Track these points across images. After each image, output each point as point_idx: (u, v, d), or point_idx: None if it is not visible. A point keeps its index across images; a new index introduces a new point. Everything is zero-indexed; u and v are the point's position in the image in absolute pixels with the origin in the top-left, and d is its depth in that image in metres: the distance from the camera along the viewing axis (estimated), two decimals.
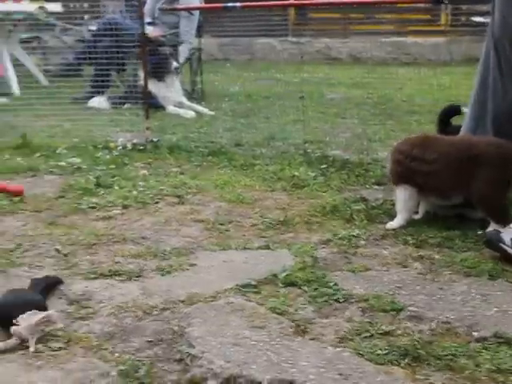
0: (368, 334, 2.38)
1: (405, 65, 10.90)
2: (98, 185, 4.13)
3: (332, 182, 4.24)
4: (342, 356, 2.24)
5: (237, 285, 2.75)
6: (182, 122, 6.18)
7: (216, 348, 2.26)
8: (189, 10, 7.19)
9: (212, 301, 2.62)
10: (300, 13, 10.22)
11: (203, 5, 7.81)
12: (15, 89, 7.49)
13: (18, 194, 3.98)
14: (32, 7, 7.86)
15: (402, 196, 3.51)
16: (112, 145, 5.08)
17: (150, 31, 6.35)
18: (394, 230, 3.42)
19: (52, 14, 8.24)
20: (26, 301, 2.45)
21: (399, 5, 9.61)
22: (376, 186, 4.18)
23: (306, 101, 7.13)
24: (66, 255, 3.10)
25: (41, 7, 7.80)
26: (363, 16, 11.02)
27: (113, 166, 4.56)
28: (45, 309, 2.45)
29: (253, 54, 11.15)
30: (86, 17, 9.63)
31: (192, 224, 3.52)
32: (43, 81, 7.88)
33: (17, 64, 7.94)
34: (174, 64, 6.74)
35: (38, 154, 4.90)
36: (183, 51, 7.27)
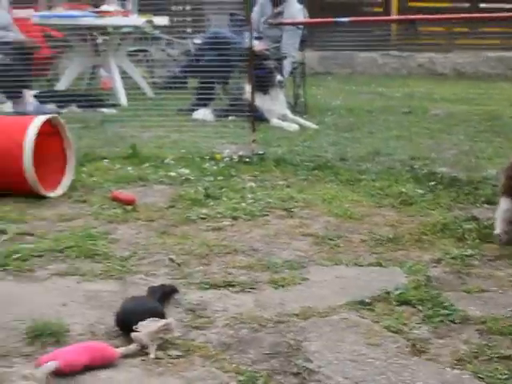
0: (486, 357, 2.34)
1: (509, 80, 10.62)
2: (207, 196, 4.19)
3: (441, 200, 4.17)
4: (462, 379, 2.21)
5: (350, 301, 2.75)
6: (285, 135, 6.21)
7: (333, 364, 2.27)
8: (297, 24, 7.23)
9: (326, 316, 2.62)
10: (408, 27, 10.12)
11: (312, 19, 7.84)
12: (123, 100, 7.70)
13: (131, 202, 4.08)
14: (140, 21, 8.07)
15: (504, 206, 3.48)
16: (218, 156, 5.14)
17: (256, 45, 6.41)
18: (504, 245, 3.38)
19: (159, 27, 8.44)
20: (146, 308, 2.51)
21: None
22: (487, 205, 4.09)
23: (410, 116, 7.08)
24: (179, 265, 3.17)
25: (149, 21, 7.99)
26: (467, 30, 10.82)
27: (220, 178, 4.63)
28: (163, 317, 2.50)
29: (354, 68, 11.11)
30: (188, 30, 9.85)
31: (301, 238, 3.53)
32: (149, 93, 8.07)
33: (124, 76, 8.16)
34: (278, 77, 6.79)
35: (147, 164, 5.01)
36: (286, 65, 7.31)
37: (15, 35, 7.98)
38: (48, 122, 4.39)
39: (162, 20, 8.20)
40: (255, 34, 6.54)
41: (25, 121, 4.35)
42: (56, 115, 4.62)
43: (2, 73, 6.53)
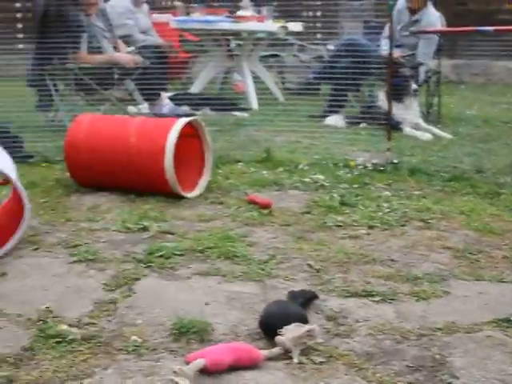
0: None
1: None
2: (342, 203, 4.18)
3: None
4: None
5: (495, 318, 2.68)
6: (419, 144, 6.10)
7: (480, 381, 2.22)
8: (439, 32, 7.11)
9: (471, 332, 2.56)
10: None
11: (454, 28, 7.68)
12: (254, 104, 7.80)
13: (267, 206, 4.13)
14: (275, 27, 8.15)
15: None
16: (352, 163, 5.12)
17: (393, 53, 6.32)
18: None
19: (292, 33, 8.50)
20: (290, 313, 2.54)
21: None
22: None
23: None
24: (318, 271, 3.18)
25: (283, 27, 8.06)
26: None
27: (355, 185, 4.60)
28: (307, 322, 2.52)
29: (488, 77, 10.78)
30: (318, 36, 9.88)
31: (440, 250, 3.46)
32: (280, 98, 8.14)
33: (256, 81, 8.26)
34: (413, 86, 6.70)
35: (281, 169, 5.05)
36: (421, 73, 7.19)
37: (154, 39, 8.27)
38: (188, 124, 4.50)
39: (296, 26, 8.25)
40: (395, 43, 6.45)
41: (167, 124, 4.48)
42: (196, 117, 4.74)
43: (142, 75, 6.74)
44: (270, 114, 6.87)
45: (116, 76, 6.53)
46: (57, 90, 6.54)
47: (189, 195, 4.41)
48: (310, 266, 3.23)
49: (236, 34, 8.40)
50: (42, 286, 3.06)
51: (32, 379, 2.31)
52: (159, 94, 7.20)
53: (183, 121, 4.46)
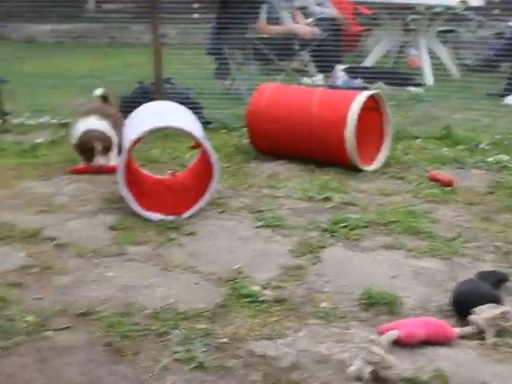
0: None
1: None
2: None
3: None
4: None
5: None
6: None
7: None
8: None
9: None
10: None
11: None
12: (430, 80, 7.62)
13: (449, 184, 4.05)
14: (453, 1, 7.90)
15: None
16: None
17: None
18: None
19: (472, 8, 8.21)
20: (484, 293, 2.50)
21: None
22: None
23: None
24: (506, 253, 3.10)
25: (463, 1, 7.81)
26: None
27: None
28: (500, 304, 2.47)
29: None
30: (496, 11, 9.48)
31: None
32: (456, 74, 7.91)
33: (431, 56, 8.06)
34: None
35: (461, 147, 4.92)
36: None
37: (330, 11, 8.26)
38: (370, 97, 4.48)
39: (477, 1, 7.97)
40: None
41: (350, 95, 4.48)
42: (379, 91, 4.70)
43: (318, 47, 6.76)
44: (445, 90, 6.69)
45: (296, 47, 6.60)
46: (234, 59, 6.70)
47: (367, 168, 4.40)
48: (497, 247, 3.15)
49: (412, 8, 8.22)
50: (230, 248, 3.19)
51: (227, 334, 2.42)
52: (334, 66, 7.22)
53: (367, 93, 4.45)
